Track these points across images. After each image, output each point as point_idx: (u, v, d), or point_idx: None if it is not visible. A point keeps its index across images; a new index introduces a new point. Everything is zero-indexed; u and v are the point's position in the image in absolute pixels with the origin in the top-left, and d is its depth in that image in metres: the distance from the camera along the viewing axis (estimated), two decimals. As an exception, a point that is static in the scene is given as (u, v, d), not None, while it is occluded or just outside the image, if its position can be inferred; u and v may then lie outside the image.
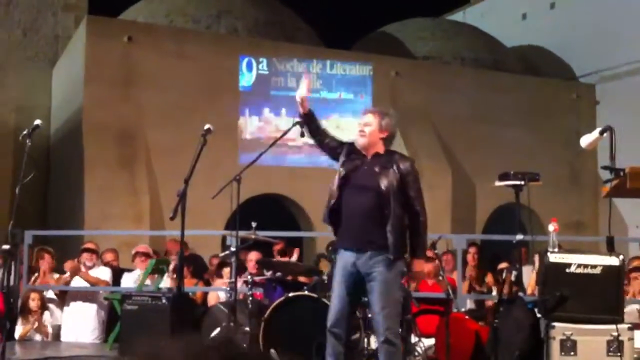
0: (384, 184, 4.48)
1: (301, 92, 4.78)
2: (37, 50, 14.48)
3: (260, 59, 12.32)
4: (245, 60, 12.27)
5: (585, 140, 3.98)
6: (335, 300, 4.61)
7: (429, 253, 6.86)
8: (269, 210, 11.46)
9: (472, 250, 8.39)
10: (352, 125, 12.86)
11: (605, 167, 3.43)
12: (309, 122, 4.85)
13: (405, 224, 4.54)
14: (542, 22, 17.51)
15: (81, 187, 11.29)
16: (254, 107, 12.24)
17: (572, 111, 15.10)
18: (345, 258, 4.57)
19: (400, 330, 5.75)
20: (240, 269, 7.05)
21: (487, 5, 19.29)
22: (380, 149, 4.61)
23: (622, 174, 3.27)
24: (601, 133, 3.91)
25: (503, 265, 7.55)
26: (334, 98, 12.78)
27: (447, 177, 13.46)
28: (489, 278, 8.17)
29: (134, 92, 11.90)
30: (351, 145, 4.72)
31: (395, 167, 4.53)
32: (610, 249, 3.72)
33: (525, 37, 17.39)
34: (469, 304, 7.79)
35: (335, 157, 4.77)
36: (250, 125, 12.15)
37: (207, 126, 4.86)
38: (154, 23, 13.15)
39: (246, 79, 12.27)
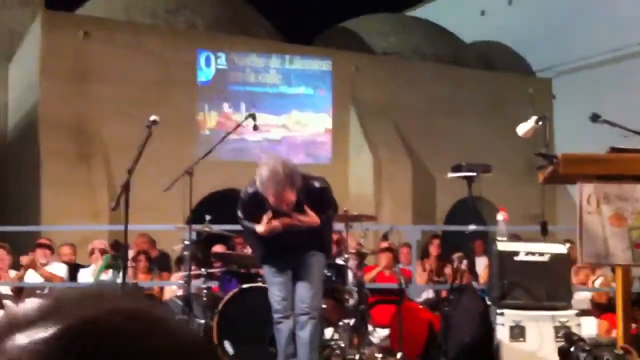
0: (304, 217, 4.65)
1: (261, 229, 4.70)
2: (-7, 46, 14.23)
3: (219, 54, 12.29)
4: (204, 55, 12.23)
5: (522, 129, 4.09)
6: (276, 290, 4.75)
7: (384, 244, 6.94)
8: (230, 205, 11.44)
9: (435, 242, 8.48)
10: (312, 120, 12.98)
11: (538, 154, 3.52)
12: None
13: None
14: (500, 18, 17.74)
15: (38, 182, 11.16)
16: (212, 102, 12.20)
17: (529, 105, 15.32)
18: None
19: (354, 320, 5.83)
20: (204, 263, 7.05)
21: (446, 2, 19.47)
22: (295, 195, 4.55)
23: (554, 160, 3.35)
24: (537, 122, 4.01)
25: (456, 255, 7.65)
26: (293, 93, 12.80)
27: (407, 170, 13.57)
28: (448, 269, 8.28)
29: (91, 86, 11.79)
30: (253, 197, 4.65)
31: (310, 197, 4.61)
32: (544, 233, 3.79)
33: (483, 33, 17.60)
34: (427, 295, 7.88)
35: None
36: (209, 121, 12.12)
37: (152, 117, 4.83)
38: (111, 17, 13.01)
39: (204, 74, 12.23)
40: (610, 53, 14.83)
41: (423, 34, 16.54)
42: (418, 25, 17.23)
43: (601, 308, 6.80)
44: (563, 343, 2.53)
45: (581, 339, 2.61)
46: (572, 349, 2.49)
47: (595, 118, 3.94)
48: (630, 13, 14.43)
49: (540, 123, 4.00)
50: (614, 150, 3.54)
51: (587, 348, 2.50)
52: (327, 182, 4.83)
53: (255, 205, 4.62)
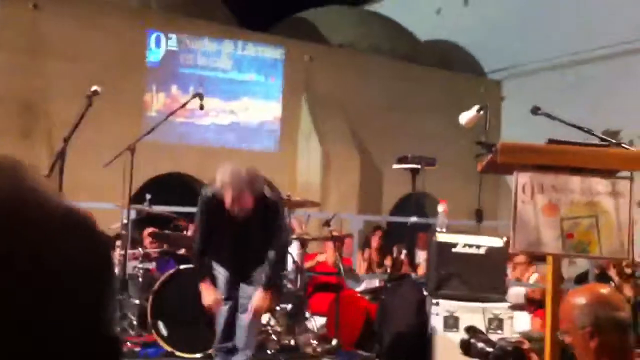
0: (256, 237, 4.62)
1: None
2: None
3: (170, 35, 12.10)
4: (154, 35, 12.03)
5: (464, 117, 4.12)
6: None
7: (333, 232, 6.94)
8: (176, 189, 11.30)
9: (377, 233, 8.53)
10: (262, 107, 12.90)
11: (478, 143, 3.53)
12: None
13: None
14: (455, 17, 17.91)
15: (-23, 157, 10.82)
16: (161, 83, 12.01)
17: (480, 105, 15.52)
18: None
19: (292, 306, 5.81)
20: (141, 243, 6.94)
21: (404, -1, 19.58)
22: (250, 208, 4.56)
23: (493, 149, 3.37)
24: (478, 111, 4.04)
25: (396, 245, 7.70)
26: (244, 80, 12.69)
27: (356, 163, 13.60)
28: (388, 260, 8.33)
29: (39, 61, 11.48)
30: (210, 203, 4.58)
31: (260, 215, 4.55)
32: (479, 220, 3.82)
33: (439, 32, 17.74)
34: (367, 285, 7.90)
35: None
36: (157, 102, 11.93)
37: (93, 87, 4.71)
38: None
39: (154, 54, 12.03)
40: (561, 58, 15.12)
41: (380, 29, 16.59)
42: (375, 20, 17.27)
43: (535, 303, 6.92)
44: (464, 336, 2.57)
45: (480, 331, 2.65)
46: (472, 340, 2.53)
47: (535, 111, 3.99)
48: (583, 19, 14.74)
49: (482, 112, 4.03)
50: (552, 142, 3.58)
51: (485, 338, 2.54)
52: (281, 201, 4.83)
53: (212, 210, 4.54)
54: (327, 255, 7.29)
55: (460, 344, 2.51)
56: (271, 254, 4.56)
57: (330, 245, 7.24)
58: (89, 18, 11.85)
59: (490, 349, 2.41)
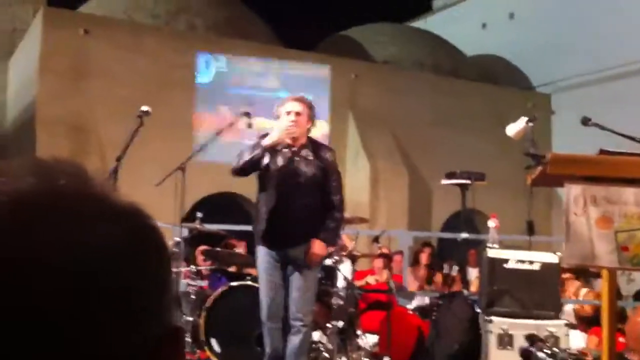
0: (310, 174, 4.54)
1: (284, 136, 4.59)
2: (-6, 43, 14.25)
3: (218, 57, 12.29)
4: (204, 57, 12.24)
5: (512, 129, 4.08)
6: (269, 289, 4.59)
7: (377, 249, 6.93)
8: (226, 208, 11.42)
9: (426, 250, 8.49)
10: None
11: (527, 154, 3.50)
12: (261, 158, 4.62)
13: (327, 211, 4.62)
14: (501, 32, 17.79)
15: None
16: (210, 104, 12.20)
17: (528, 117, 15.33)
18: (271, 250, 4.60)
19: (342, 323, 5.80)
20: (194, 261, 7.03)
21: (448, 14, 19.53)
22: (304, 140, 4.66)
23: (543, 160, 3.33)
24: (527, 122, 4.00)
25: (448, 262, 7.64)
26: (291, 98, 12.80)
27: (404, 179, 13.56)
28: (438, 277, 8.26)
29: (89, 85, 11.79)
30: (264, 137, 4.66)
31: (319, 158, 4.59)
32: (530, 233, 3.76)
33: (484, 47, 17.64)
34: (418, 302, 7.84)
35: (257, 169, 4.69)
36: (205, 122, 12.11)
37: (144, 108, 4.81)
38: (112, 17, 13.04)
39: (204, 76, 12.23)
40: (611, 70, 14.87)
41: (424, 45, 16.58)
42: (419, 36, 17.27)
43: (586, 321, 6.76)
44: (525, 344, 2.53)
45: (542, 340, 2.61)
46: (532, 349, 2.49)
47: (585, 121, 3.93)
48: (633, 29, 14.47)
49: (531, 124, 3.99)
50: (603, 152, 3.52)
51: (546, 348, 2.50)
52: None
53: (262, 159, 4.57)
54: (376, 276, 7.26)
55: (520, 352, 2.47)
56: (333, 212, 4.60)
57: (379, 262, 7.22)
58: (137, 42, 12.14)
59: (550, 359, 2.37)
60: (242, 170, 4.67)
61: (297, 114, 4.59)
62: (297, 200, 4.53)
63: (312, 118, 4.68)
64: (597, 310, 7.10)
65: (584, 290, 7.40)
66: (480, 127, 14.67)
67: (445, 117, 14.49)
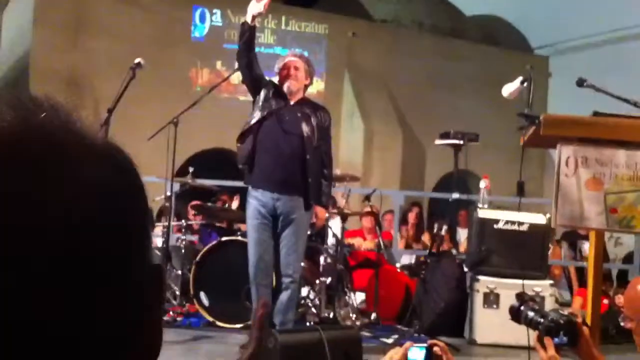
0: (307, 130, 4.53)
1: (260, 7, 4.57)
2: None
3: (214, 10, 12.15)
4: (199, 11, 12.09)
5: (507, 90, 4.06)
6: (258, 247, 4.58)
7: (367, 207, 6.94)
8: (220, 164, 11.40)
9: (414, 209, 8.50)
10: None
11: (520, 114, 3.48)
12: (252, 37, 4.69)
13: (320, 171, 4.63)
14: (502, -8, 17.58)
15: (25, 132, 11.08)
16: (205, 59, 12.09)
17: (523, 77, 15.24)
18: (263, 201, 4.56)
19: (331, 280, 5.84)
20: (185, 216, 7.04)
21: (449, -27, 19.26)
22: (302, 94, 4.68)
23: (536, 121, 3.31)
24: (522, 82, 3.97)
25: (437, 222, 7.66)
26: (287, 55, 12.70)
27: (398, 140, 13.52)
28: (426, 236, 8.30)
29: (84, 39, 11.65)
30: (274, 84, 4.71)
31: (315, 116, 4.61)
32: (520, 194, 3.77)
33: (485, 7, 17.44)
34: (405, 260, 7.89)
35: (256, 88, 4.71)
36: (202, 77, 12.01)
37: (137, 60, 4.76)
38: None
39: (199, 30, 12.10)
40: (611, 33, 14.74)
41: (423, 4, 16.39)
42: (419, -5, 17.06)
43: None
44: (514, 302, 2.53)
45: (532, 299, 2.60)
46: (522, 308, 2.48)
47: (581, 83, 3.90)
48: (633, -6, 14.32)
49: (525, 84, 3.96)
50: (597, 114, 3.51)
51: (536, 307, 2.49)
52: None
53: (268, 89, 4.63)
54: (365, 241, 7.24)
55: (509, 310, 2.47)
56: (325, 173, 4.70)
57: (368, 221, 7.22)
58: (134, -5, 11.96)
59: (540, 319, 2.37)
60: (240, 54, 4.71)
61: (296, 68, 4.61)
62: (294, 152, 4.53)
63: (310, 75, 4.72)
64: (578, 271, 7.16)
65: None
66: (477, 89, 14.59)
67: (442, 78, 14.40)
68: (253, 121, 4.60)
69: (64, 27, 11.53)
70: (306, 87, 4.75)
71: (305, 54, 12.73)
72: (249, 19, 4.61)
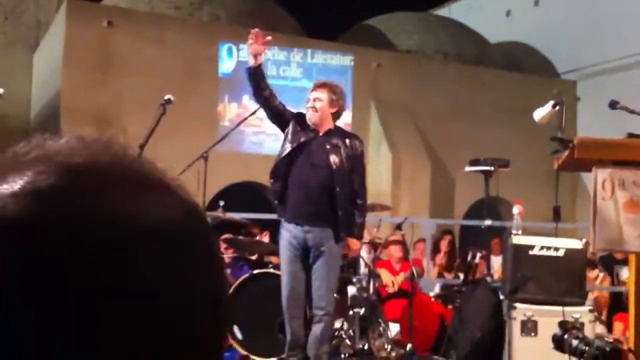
0: (336, 161, 4.50)
1: (257, 48, 4.53)
2: (19, 36, 14.38)
3: (241, 46, 12.29)
4: (226, 46, 12.25)
5: (539, 114, 4.02)
6: (290, 279, 4.57)
7: (398, 237, 6.89)
8: (249, 197, 11.44)
9: (447, 237, 8.43)
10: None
11: (553, 138, 3.44)
12: (259, 77, 4.64)
13: (353, 201, 4.59)
14: (525, 19, 17.58)
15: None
16: (233, 94, 12.21)
17: (554, 100, 15.14)
18: (295, 233, 4.56)
19: (364, 311, 5.78)
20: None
21: (472, 2, 19.34)
22: (330, 124, 4.63)
23: (570, 145, 3.27)
24: (554, 106, 3.94)
25: (471, 249, 7.57)
26: (314, 87, 12.79)
27: (427, 170, 13.48)
28: (458, 265, 8.21)
29: (113, 77, 11.86)
30: (301, 116, 4.69)
31: (345, 145, 4.57)
32: (557, 219, 3.72)
33: (509, 34, 17.46)
34: (438, 289, 7.80)
35: (281, 122, 4.72)
36: (229, 112, 12.13)
37: (167, 96, 4.81)
38: (135, 8, 13.09)
39: (226, 66, 12.24)
40: (637, 56, 14.63)
41: (447, 34, 16.44)
42: (442, 24, 17.12)
43: (601, 307, 6.68)
44: (557, 331, 2.48)
45: (574, 327, 2.54)
46: (565, 336, 2.42)
47: (613, 105, 3.86)
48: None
49: (557, 108, 3.93)
50: (631, 136, 3.46)
51: (580, 335, 2.43)
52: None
53: (296, 123, 4.62)
54: (394, 259, 7.17)
55: (552, 338, 2.41)
56: (358, 203, 4.62)
57: (398, 250, 7.15)
58: (160, 33, 12.18)
59: (585, 347, 2.31)
60: (255, 96, 4.75)
61: (316, 99, 4.59)
62: (322, 185, 4.50)
63: (335, 102, 4.63)
64: (615, 297, 7.00)
65: (599, 277, 7.33)
66: (504, 116, 14.53)
67: (469, 107, 14.37)
68: (282, 155, 4.61)
69: (93, 67, 11.75)
70: (334, 115, 4.69)
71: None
72: (251, 62, 4.56)
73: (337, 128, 4.72)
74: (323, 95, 4.60)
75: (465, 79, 14.65)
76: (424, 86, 14.07)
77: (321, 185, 4.50)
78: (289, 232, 4.57)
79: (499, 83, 14.99)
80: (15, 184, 0.51)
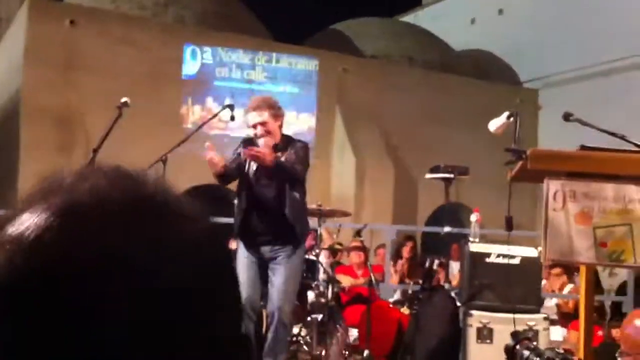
0: (282, 177, 4.51)
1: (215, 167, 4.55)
2: (-21, 32, 14.12)
3: (205, 48, 12.24)
4: (190, 48, 12.17)
5: (494, 125, 4.07)
6: (245, 285, 4.57)
7: (358, 243, 6.91)
8: (213, 202, 11.37)
9: (409, 243, 8.46)
10: (296, 119, 12.93)
11: (507, 149, 3.48)
12: (225, 179, 4.69)
13: (302, 203, 4.60)
14: (490, 27, 17.79)
15: (16, 170, 11.05)
16: (196, 96, 12.14)
17: (509, 112, 15.33)
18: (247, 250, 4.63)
19: (322, 316, 5.78)
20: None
21: (438, 9, 19.51)
22: (278, 137, 4.61)
23: (523, 156, 3.32)
24: (508, 118, 3.99)
25: (429, 256, 7.63)
26: (278, 91, 12.75)
27: (390, 175, 13.55)
28: (419, 271, 8.25)
29: (75, 77, 11.69)
30: (247, 141, 4.66)
31: (289, 152, 4.55)
32: (509, 229, 3.76)
33: (473, 42, 17.64)
34: (397, 295, 7.84)
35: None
36: (193, 115, 12.05)
37: (123, 99, 4.76)
38: (99, 7, 12.94)
39: (190, 68, 12.17)
40: (599, 66, 14.89)
41: (413, 40, 16.56)
42: (408, 30, 17.24)
43: (567, 317, 6.77)
44: (509, 341, 2.50)
45: (527, 337, 2.57)
46: (517, 347, 2.45)
47: (567, 117, 3.92)
48: (621, 27, 14.50)
49: (512, 119, 3.98)
50: (584, 148, 3.52)
51: (532, 346, 2.46)
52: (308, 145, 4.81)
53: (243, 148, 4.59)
54: (356, 279, 7.19)
55: (504, 349, 2.44)
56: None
57: (358, 256, 7.18)
58: (124, 33, 12.05)
59: (536, 358, 2.33)
60: (218, 178, 4.66)
61: (262, 123, 4.53)
62: (271, 201, 4.52)
63: (277, 113, 4.61)
64: (578, 306, 7.09)
65: (569, 286, 7.42)
66: (469, 123, 14.65)
67: (433, 113, 14.48)
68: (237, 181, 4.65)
69: (55, 66, 11.58)
70: (280, 126, 4.66)
71: (296, 89, 12.92)
72: (212, 169, 4.60)
73: (284, 138, 4.67)
74: (264, 115, 4.54)
75: (430, 85, 14.77)
76: (389, 91, 14.15)
77: (272, 201, 4.54)
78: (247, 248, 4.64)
79: (463, 90, 15.13)
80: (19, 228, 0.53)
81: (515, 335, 2.94)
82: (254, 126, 4.57)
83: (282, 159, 4.50)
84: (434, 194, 11.66)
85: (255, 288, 4.57)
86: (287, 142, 4.66)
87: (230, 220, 4.96)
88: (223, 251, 0.60)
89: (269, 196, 4.53)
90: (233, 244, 8.19)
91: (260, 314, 4.69)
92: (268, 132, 4.55)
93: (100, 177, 0.57)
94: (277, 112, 4.61)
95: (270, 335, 4.53)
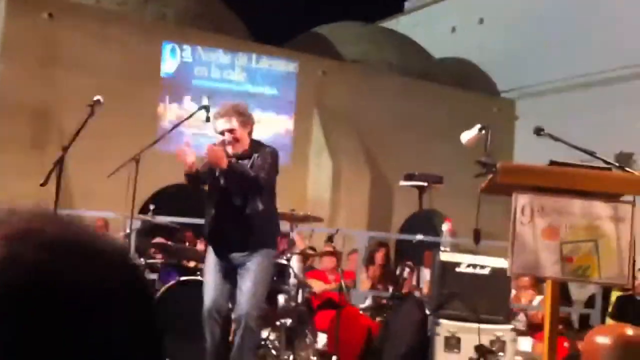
0: (247, 186, 4.49)
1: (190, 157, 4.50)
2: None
3: (184, 47, 12.18)
4: (170, 46, 12.11)
5: (465, 137, 4.09)
6: (211, 290, 4.60)
7: (329, 247, 6.91)
8: (187, 200, 11.31)
9: (382, 250, 8.46)
10: (274, 121, 12.92)
11: (478, 162, 3.50)
12: (195, 181, 4.70)
13: (269, 210, 4.59)
14: (470, 36, 17.92)
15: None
16: (174, 95, 12.08)
17: (492, 125, 15.43)
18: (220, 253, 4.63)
19: (291, 321, 5.77)
20: (145, 254, 6.94)
21: (419, 16, 19.61)
22: (247, 144, 4.59)
23: (493, 169, 3.34)
24: (480, 130, 4.01)
25: (401, 263, 7.65)
26: (257, 92, 12.73)
27: (366, 180, 13.58)
28: (387, 278, 8.27)
29: (53, 72, 11.58)
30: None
31: (255, 160, 4.52)
32: (477, 241, 3.78)
33: (453, 50, 17.75)
34: (369, 301, 7.84)
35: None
36: (170, 113, 11.99)
37: (96, 97, 4.73)
38: (78, 2, 12.83)
39: (169, 66, 12.11)
40: (576, 79, 15.06)
41: (393, 46, 16.62)
42: (389, 36, 17.30)
43: (536, 328, 6.82)
44: (473, 354, 2.52)
45: (490, 351, 2.59)
46: None
47: (538, 131, 3.95)
48: (600, 40, 14.67)
49: (484, 132, 4.00)
50: (553, 163, 3.54)
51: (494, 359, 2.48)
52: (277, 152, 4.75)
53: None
54: (326, 270, 7.21)
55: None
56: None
57: (330, 262, 7.19)
58: (104, 29, 11.96)
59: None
60: (188, 178, 4.68)
61: (230, 130, 4.51)
62: (239, 207, 4.50)
63: (247, 120, 4.58)
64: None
65: (538, 298, 7.47)
66: (445, 130, 14.71)
67: (411, 119, 14.54)
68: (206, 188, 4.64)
69: (32, 60, 11.46)
70: (250, 133, 4.62)
71: (275, 91, 12.90)
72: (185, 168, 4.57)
73: (252, 143, 4.64)
74: (233, 122, 4.51)
75: (408, 92, 14.82)
76: (368, 96, 14.18)
77: (239, 208, 4.51)
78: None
79: (441, 98, 15.21)
80: None
81: (479, 348, 2.96)
82: (222, 133, 4.55)
83: (248, 166, 4.48)
84: (409, 200, 11.69)
85: (222, 291, 4.55)
86: (256, 147, 4.63)
87: (202, 221, 4.95)
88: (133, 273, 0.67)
89: (237, 203, 4.51)
90: (201, 245, 8.18)
91: (228, 317, 4.66)
92: (236, 140, 4.52)
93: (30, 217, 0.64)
94: (246, 119, 4.57)
95: (237, 341, 4.51)
